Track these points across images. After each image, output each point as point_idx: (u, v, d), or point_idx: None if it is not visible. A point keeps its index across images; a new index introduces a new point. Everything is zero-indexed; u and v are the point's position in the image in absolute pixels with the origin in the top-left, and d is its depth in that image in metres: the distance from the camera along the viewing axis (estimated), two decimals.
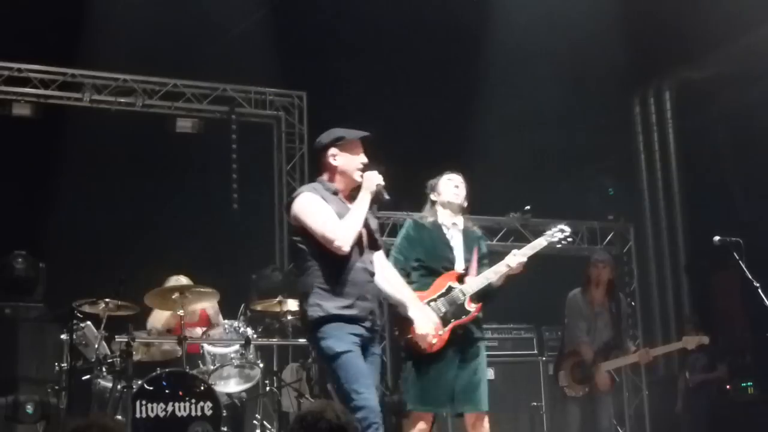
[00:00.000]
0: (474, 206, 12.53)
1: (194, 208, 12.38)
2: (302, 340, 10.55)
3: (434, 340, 7.01)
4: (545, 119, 12.77)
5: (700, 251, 13.47)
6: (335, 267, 6.31)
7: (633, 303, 13.40)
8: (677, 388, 12.82)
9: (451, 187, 7.68)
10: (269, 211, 13.44)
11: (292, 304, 10.22)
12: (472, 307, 7.29)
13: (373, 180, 6.42)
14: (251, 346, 9.70)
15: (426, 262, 7.43)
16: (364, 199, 6.39)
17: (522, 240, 9.76)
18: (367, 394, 6.09)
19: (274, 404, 10.00)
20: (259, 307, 10.33)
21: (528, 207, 11.29)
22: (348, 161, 6.50)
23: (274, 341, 10.40)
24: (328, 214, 6.31)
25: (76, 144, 11.84)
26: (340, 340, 6.21)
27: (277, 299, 10.22)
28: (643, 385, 13.27)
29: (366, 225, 6.47)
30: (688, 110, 13.99)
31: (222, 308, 10.19)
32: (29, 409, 9.95)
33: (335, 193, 6.50)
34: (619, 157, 13.89)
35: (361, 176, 6.44)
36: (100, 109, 12.75)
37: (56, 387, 9.59)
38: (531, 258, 7.48)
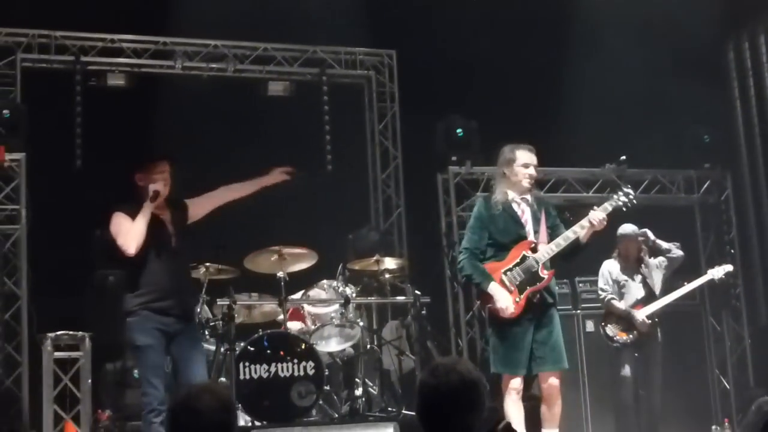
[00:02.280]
0: (570, 158, 12.56)
1: None
2: (401, 298, 10.65)
3: (512, 308, 7.50)
4: (639, 68, 12.59)
5: None
6: (141, 269, 7.50)
7: (732, 251, 13.21)
8: None
9: (525, 175, 7.77)
10: (363, 172, 13.47)
11: (390, 263, 10.30)
12: (545, 274, 7.62)
13: (150, 190, 7.53)
14: (351, 305, 9.78)
15: (499, 239, 7.70)
16: (145, 207, 7.49)
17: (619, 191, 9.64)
18: (156, 383, 7.29)
19: (374, 362, 10.09)
20: (357, 267, 10.40)
21: (624, 157, 11.12)
22: (146, 187, 7.61)
23: (373, 300, 10.48)
24: (125, 226, 7.46)
25: (170, 111, 11.94)
26: (143, 333, 7.39)
27: (375, 258, 10.29)
28: (745, 334, 13.11)
29: (173, 230, 7.65)
30: None
31: (320, 269, 10.25)
32: (137, 374, 10.14)
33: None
34: (715, 103, 13.63)
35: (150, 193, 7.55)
36: (192, 76, 12.88)
37: None
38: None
